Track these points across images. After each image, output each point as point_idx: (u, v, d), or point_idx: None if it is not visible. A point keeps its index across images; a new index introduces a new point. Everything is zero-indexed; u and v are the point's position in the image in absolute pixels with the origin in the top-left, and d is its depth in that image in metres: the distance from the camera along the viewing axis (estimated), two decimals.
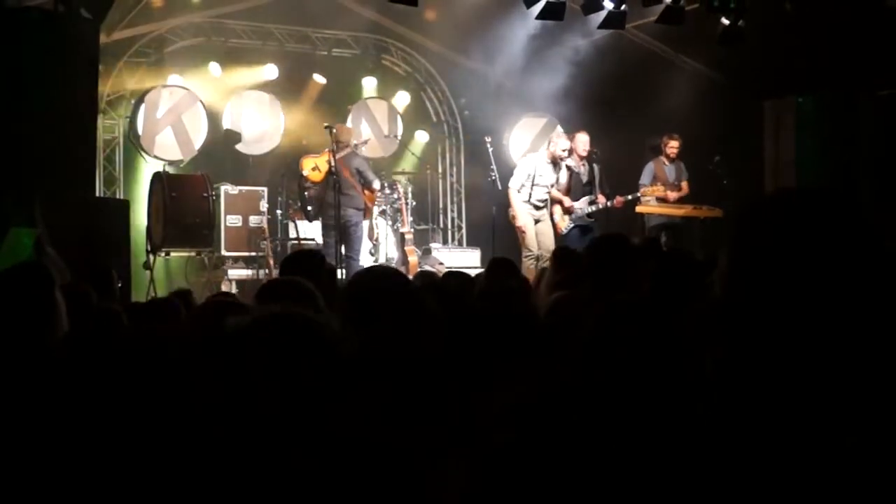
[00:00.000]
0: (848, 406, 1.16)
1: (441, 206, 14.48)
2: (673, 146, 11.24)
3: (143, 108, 12.08)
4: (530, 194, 10.50)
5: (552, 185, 10.69)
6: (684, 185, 11.34)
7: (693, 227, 10.92)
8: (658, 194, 11.06)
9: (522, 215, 10.40)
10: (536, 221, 10.53)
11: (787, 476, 1.13)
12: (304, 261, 5.61)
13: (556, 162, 10.61)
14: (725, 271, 1.22)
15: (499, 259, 6.20)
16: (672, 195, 11.14)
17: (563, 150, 10.59)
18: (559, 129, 11.20)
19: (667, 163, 11.35)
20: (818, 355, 1.16)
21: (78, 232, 7.86)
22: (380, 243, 11.75)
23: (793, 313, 1.16)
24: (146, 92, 12.11)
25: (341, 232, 10.24)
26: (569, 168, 10.79)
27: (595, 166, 10.89)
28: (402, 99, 13.87)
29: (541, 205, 10.62)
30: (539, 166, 10.53)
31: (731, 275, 1.22)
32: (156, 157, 12.07)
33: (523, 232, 10.40)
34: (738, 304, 1.20)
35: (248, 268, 11.52)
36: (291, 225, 11.67)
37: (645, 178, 11.30)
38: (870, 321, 1.17)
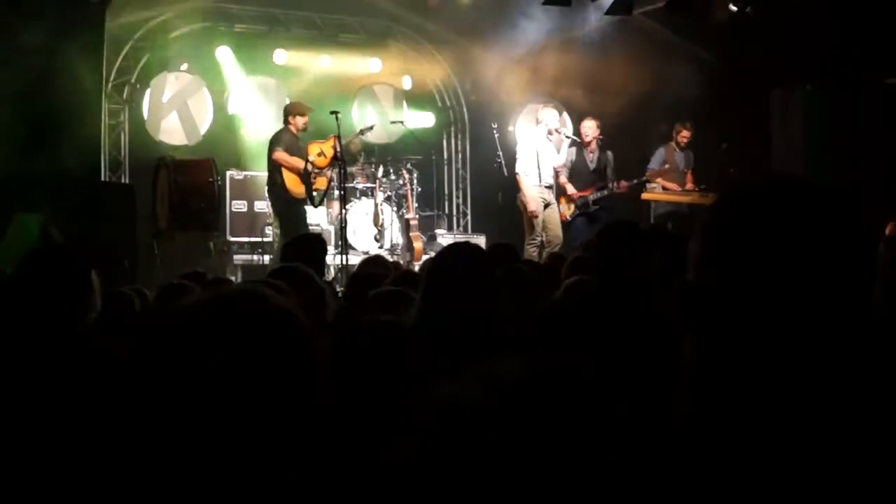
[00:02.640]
0: (823, 396, 1.17)
1: (446, 192, 14.47)
2: (685, 135, 11.24)
3: (148, 92, 12.08)
4: (540, 176, 10.42)
5: (560, 167, 10.69)
6: (689, 174, 11.34)
7: (699, 214, 10.88)
8: (664, 182, 11.06)
9: (534, 200, 10.29)
10: (546, 205, 10.44)
11: (760, 466, 1.13)
12: (306, 246, 5.64)
13: (553, 137, 10.69)
14: (696, 256, 1.24)
15: (500, 244, 6.21)
16: (675, 185, 11.14)
17: (556, 123, 10.64)
18: (543, 107, 11.17)
19: (677, 150, 11.34)
20: (789, 344, 1.18)
21: (83, 217, 7.86)
22: (385, 229, 11.74)
23: (760, 301, 1.18)
24: (151, 77, 12.11)
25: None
26: (574, 142, 10.81)
27: (605, 153, 10.87)
28: (407, 84, 13.82)
29: (551, 182, 10.58)
30: (540, 145, 10.52)
31: (701, 260, 1.24)
32: (161, 142, 12.07)
33: (536, 216, 10.29)
34: (706, 288, 1.22)
35: (253, 253, 11.53)
36: None
37: (654, 162, 11.29)
38: (845, 308, 1.18)
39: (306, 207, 10.58)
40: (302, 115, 10.29)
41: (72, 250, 3.20)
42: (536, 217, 10.26)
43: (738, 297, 1.19)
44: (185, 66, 12.30)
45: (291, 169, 10.04)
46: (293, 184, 10.06)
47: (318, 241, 6.39)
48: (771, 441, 1.13)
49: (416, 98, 13.87)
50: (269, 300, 1.41)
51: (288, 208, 10.14)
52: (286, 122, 10.31)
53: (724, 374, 1.21)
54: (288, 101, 12.58)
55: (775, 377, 1.18)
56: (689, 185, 11.23)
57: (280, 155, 10.05)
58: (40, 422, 2.21)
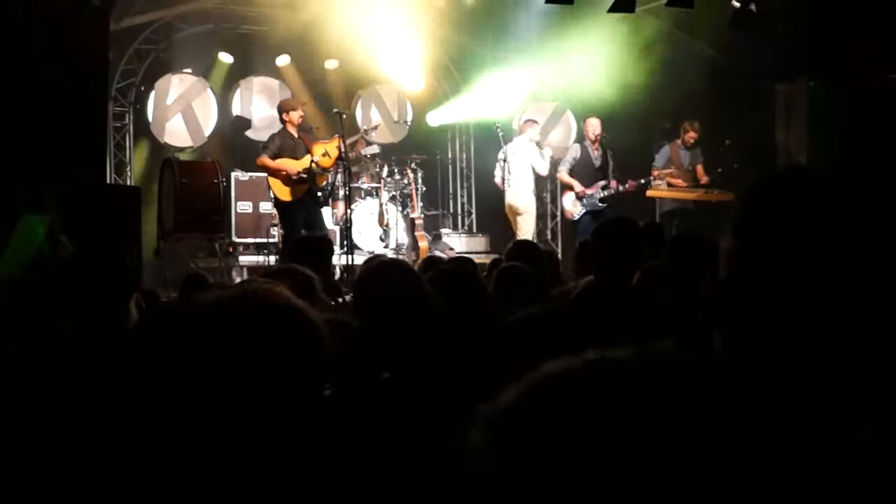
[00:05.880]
0: (856, 396, 1.16)
1: (451, 191, 14.47)
2: (692, 135, 11.21)
3: (152, 95, 12.10)
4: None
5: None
6: (699, 169, 11.29)
7: (705, 211, 10.89)
8: (670, 179, 11.04)
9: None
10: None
11: (786, 464, 1.13)
12: (313, 248, 5.66)
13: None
14: (730, 251, 1.23)
15: (522, 242, 6.25)
16: (681, 182, 11.12)
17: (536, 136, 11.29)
18: (529, 123, 11.49)
19: (682, 148, 11.32)
20: (824, 337, 1.17)
21: (89, 219, 7.88)
22: (390, 229, 11.75)
23: (797, 296, 1.17)
24: (156, 79, 12.14)
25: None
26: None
27: (608, 151, 10.89)
28: (412, 84, 13.79)
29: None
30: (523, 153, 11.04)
31: (736, 255, 1.23)
32: (166, 143, 12.09)
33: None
34: (743, 284, 1.21)
35: (258, 254, 11.55)
36: None
37: (660, 160, 11.27)
38: (877, 305, 1.17)
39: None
40: (294, 109, 10.11)
41: (115, 256, 3.16)
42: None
43: (774, 290, 1.17)
44: (189, 69, 12.32)
45: (276, 173, 9.87)
46: (278, 187, 9.87)
47: (326, 242, 6.40)
48: (812, 440, 1.11)
49: (421, 98, 13.85)
50: (275, 297, 1.40)
51: (281, 211, 10.08)
52: (282, 120, 10.15)
53: (759, 369, 1.19)
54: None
55: (812, 370, 1.17)
56: (704, 181, 11.17)
57: (262, 160, 9.85)
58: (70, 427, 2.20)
